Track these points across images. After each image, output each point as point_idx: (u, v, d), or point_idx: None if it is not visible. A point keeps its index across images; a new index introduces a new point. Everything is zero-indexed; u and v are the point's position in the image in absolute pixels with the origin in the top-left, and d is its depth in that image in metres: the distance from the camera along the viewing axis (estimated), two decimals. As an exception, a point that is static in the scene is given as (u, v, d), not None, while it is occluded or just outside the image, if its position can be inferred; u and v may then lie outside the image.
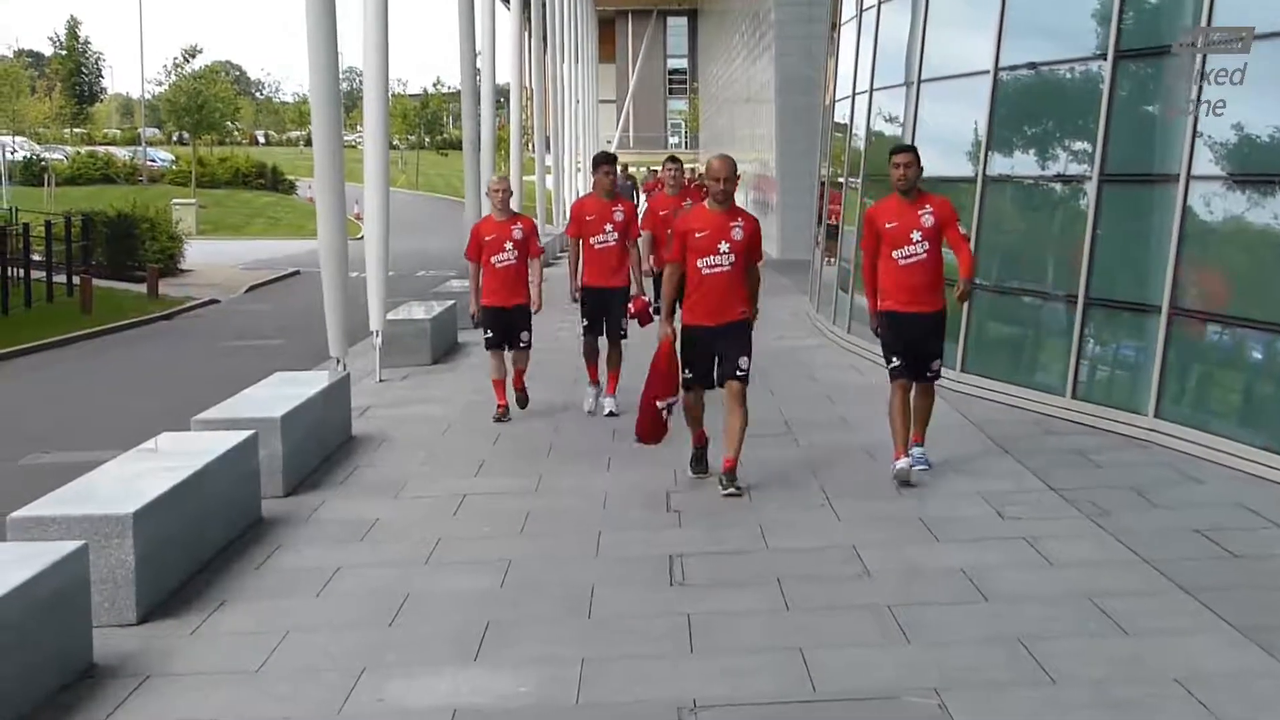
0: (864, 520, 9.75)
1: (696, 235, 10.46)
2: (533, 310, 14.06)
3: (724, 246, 10.37)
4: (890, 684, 6.66)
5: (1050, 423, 12.98)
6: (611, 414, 13.71)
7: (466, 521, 10.13)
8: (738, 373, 10.49)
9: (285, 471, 10.85)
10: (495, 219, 14.05)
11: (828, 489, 10.64)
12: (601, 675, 6.89)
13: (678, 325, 10.79)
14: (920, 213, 10.81)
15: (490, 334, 13.96)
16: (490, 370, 14.09)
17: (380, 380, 16.52)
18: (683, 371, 10.76)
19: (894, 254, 10.83)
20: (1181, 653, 7.01)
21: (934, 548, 9.04)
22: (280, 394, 11.91)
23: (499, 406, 13.98)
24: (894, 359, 10.96)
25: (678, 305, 10.93)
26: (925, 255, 10.81)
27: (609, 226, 13.87)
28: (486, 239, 13.94)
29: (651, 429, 11.03)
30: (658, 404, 10.83)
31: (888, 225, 10.87)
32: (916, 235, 10.77)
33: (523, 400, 14.21)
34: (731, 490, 10.43)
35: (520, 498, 10.70)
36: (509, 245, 13.88)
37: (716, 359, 10.59)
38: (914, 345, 10.93)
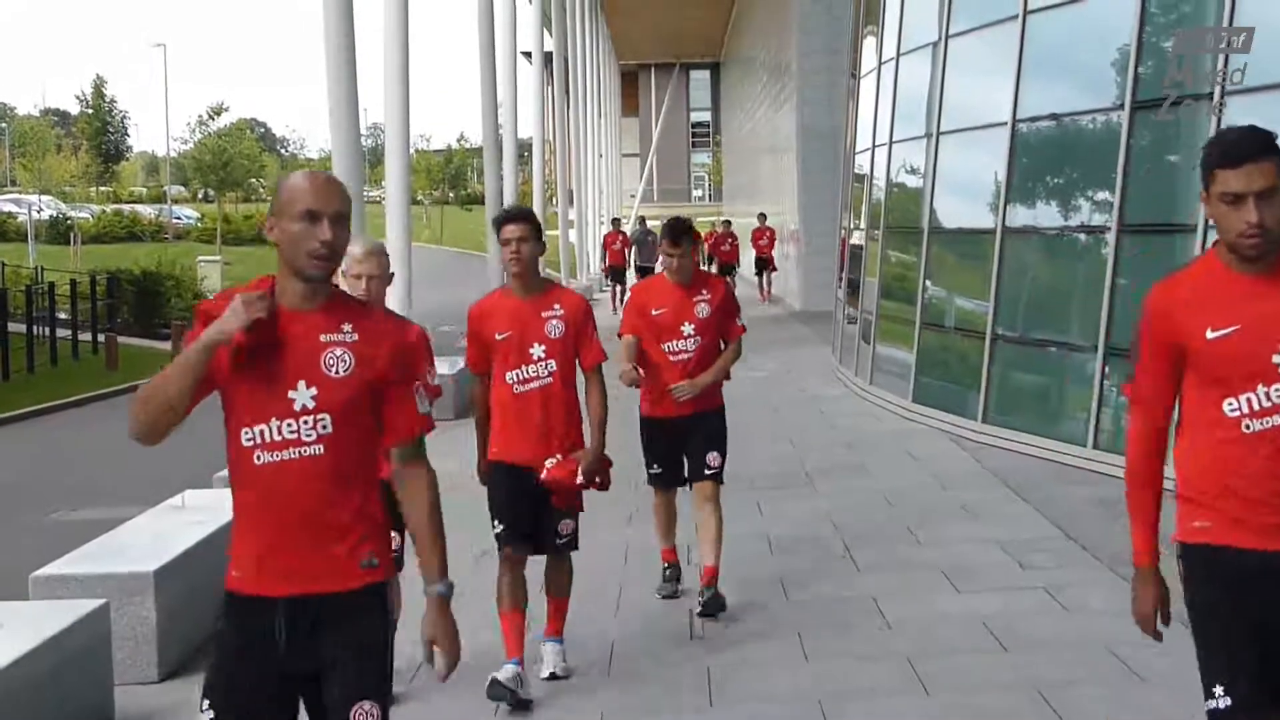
0: (884, 570, 9.74)
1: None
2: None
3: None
4: (909, 735, 6.67)
5: (1071, 472, 12.94)
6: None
7: (486, 577, 10.13)
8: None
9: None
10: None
11: (847, 539, 10.64)
12: (621, 728, 6.90)
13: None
14: None
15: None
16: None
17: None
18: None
19: (1229, 407, 4.36)
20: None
21: (954, 598, 9.02)
22: (303, 450, 11.94)
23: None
24: (1233, 681, 4.38)
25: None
26: None
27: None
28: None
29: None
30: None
31: (1213, 335, 4.36)
32: None
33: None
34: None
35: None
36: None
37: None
38: None
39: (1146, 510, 4.54)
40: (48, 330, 32.95)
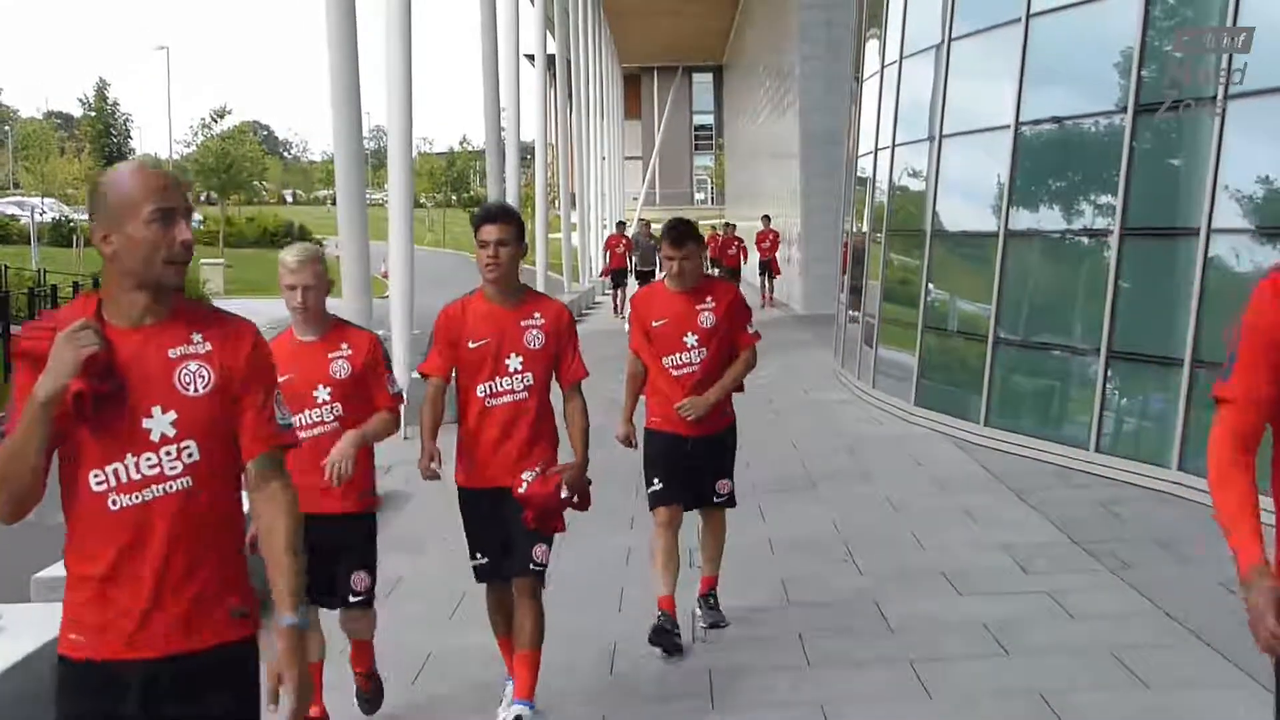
0: (886, 574, 9.73)
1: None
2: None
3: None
4: (911, 739, 6.66)
5: (1073, 475, 12.94)
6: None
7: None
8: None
9: (309, 529, 10.84)
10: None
11: (850, 543, 10.63)
12: (622, 732, 6.88)
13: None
14: None
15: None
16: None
17: (405, 438, 16.50)
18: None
19: None
20: (1205, 708, 6.98)
21: (956, 601, 9.02)
22: (305, 452, 11.93)
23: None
24: None
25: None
26: None
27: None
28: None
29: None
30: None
31: None
32: None
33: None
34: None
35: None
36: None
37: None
38: None
39: (1244, 509, 3.67)
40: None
